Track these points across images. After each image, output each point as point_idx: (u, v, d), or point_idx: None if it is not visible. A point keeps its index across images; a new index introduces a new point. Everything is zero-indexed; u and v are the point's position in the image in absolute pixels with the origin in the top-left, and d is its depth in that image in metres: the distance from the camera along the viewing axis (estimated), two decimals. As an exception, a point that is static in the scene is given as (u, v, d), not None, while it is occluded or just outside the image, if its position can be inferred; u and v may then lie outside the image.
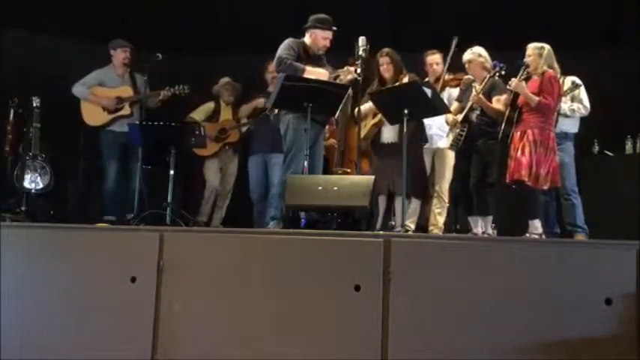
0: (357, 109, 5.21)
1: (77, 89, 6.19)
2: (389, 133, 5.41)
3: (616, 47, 6.25)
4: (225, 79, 6.54)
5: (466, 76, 5.43)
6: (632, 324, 3.31)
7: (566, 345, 3.34)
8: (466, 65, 5.31)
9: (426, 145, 5.57)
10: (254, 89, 6.34)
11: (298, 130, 4.96)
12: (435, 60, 5.75)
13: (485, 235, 5.11)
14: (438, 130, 5.60)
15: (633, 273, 3.35)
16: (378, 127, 5.44)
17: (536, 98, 4.85)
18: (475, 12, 6.51)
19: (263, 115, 5.97)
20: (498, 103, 5.13)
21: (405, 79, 5.33)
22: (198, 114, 6.44)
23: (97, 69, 6.29)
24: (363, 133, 5.52)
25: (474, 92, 5.16)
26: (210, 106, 6.51)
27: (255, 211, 6.15)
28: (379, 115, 5.32)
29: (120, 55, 6.26)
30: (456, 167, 5.44)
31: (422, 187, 5.52)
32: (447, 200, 5.61)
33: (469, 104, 5.21)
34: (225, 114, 6.46)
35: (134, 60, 6.27)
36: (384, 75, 5.44)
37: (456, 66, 5.61)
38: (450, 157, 5.55)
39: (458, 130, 5.23)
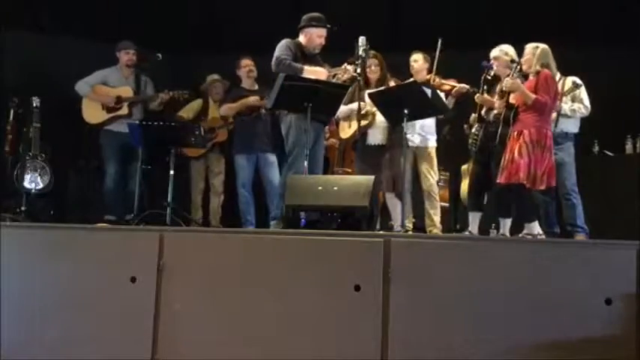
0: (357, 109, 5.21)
1: (79, 85, 6.20)
2: (375, 136, 5.39)
3: (616, 47, 6.25)
4: (214, 76, 6.46)
5: (460, 85, 5.41)
6: (632, 324, 3.31)
7: (566, 345, 3.33)
8: (492, 62, 5.27)
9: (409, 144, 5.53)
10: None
11: (301, 130, 4.96)
12: (412, 58, 5.65)
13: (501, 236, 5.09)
14: (420, 129, 5.55)
15: (633, 273, 3.35)
16: (364, 129, 5.38)
17: (533, 95, 4.81)
18: (475, 12, 6.51)
19: (256, 114, 5.96)
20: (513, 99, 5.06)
21: (391, 83, 5.33)
22: (187, 112, 6.39)
23: (97, 68, 6.29)
24: (347, 135, 5.52)
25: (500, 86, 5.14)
26: (198, 103, 6.44)
27: (241, 210, 6.04)
28: (369, 117, 5.31)
29: (124, 57, 6.28)
30: (476, 166, 5.41)
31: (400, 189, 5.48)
32: (438, 199, 5.59)
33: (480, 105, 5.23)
34: (214, 112, 6.37)
35: (140, 62, 6.26)
36: (370, 76, 5.42)
37: (443, 69, 5.58)
38: (432, 155, 5.54)
39: (473, 130, 5.24)
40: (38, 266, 3.85)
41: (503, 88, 4.98)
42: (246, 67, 6.12)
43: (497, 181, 4.86)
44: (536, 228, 4.89)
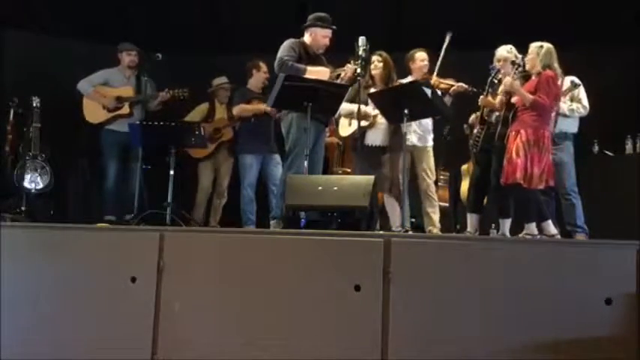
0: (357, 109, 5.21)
1: (81, 85, 6.23)
2: (373, 136, 5.37)
3: (616, 47, 6.24)
4: (221, 79, 6.51)
5: (458, 84, 5.39)
6: (632, 324, 3.31)
7: (566, 345, 3.33)
8: (499, 62, 5.25)
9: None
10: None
11: (302, 129, 4.96)
12: (421, 57, 5.63)
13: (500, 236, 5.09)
14: (416, 128, 5.53)
15: (633, 273, 3.35)
16: (364, 129, 5.34)
17: (531, 97, 4.79)
18: (475, 12, 6.51)
19: (265, 117, 5.98)
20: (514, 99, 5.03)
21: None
22: (193, 117, 6.41)
23: (97, 68, 6.32)
24: (346, 133, 5.53)
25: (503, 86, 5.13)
26: (204, 107, 6.48)
27: (243, 210, 6.06)
28: (370, 118, 5.30)
29: (125, 59, 6.31)
30: (477, 167, 5.40)
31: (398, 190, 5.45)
32: (436, 198, 5.58)
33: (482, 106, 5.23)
34: (220, 113, 6.42)
35: (141, 63, 6.28)
36: (373, 72, 5.38)
37: (443, 68, 5.56)
38: (430, 154, 5.53)
39: (475, 131, 5.24)
40: (38, 266, 3.84)
41: (502, 87, 4.98)
42: (267, 73, 6.14)
43: (502, 182, 4.85)
44: (534, 230, 4.87)
